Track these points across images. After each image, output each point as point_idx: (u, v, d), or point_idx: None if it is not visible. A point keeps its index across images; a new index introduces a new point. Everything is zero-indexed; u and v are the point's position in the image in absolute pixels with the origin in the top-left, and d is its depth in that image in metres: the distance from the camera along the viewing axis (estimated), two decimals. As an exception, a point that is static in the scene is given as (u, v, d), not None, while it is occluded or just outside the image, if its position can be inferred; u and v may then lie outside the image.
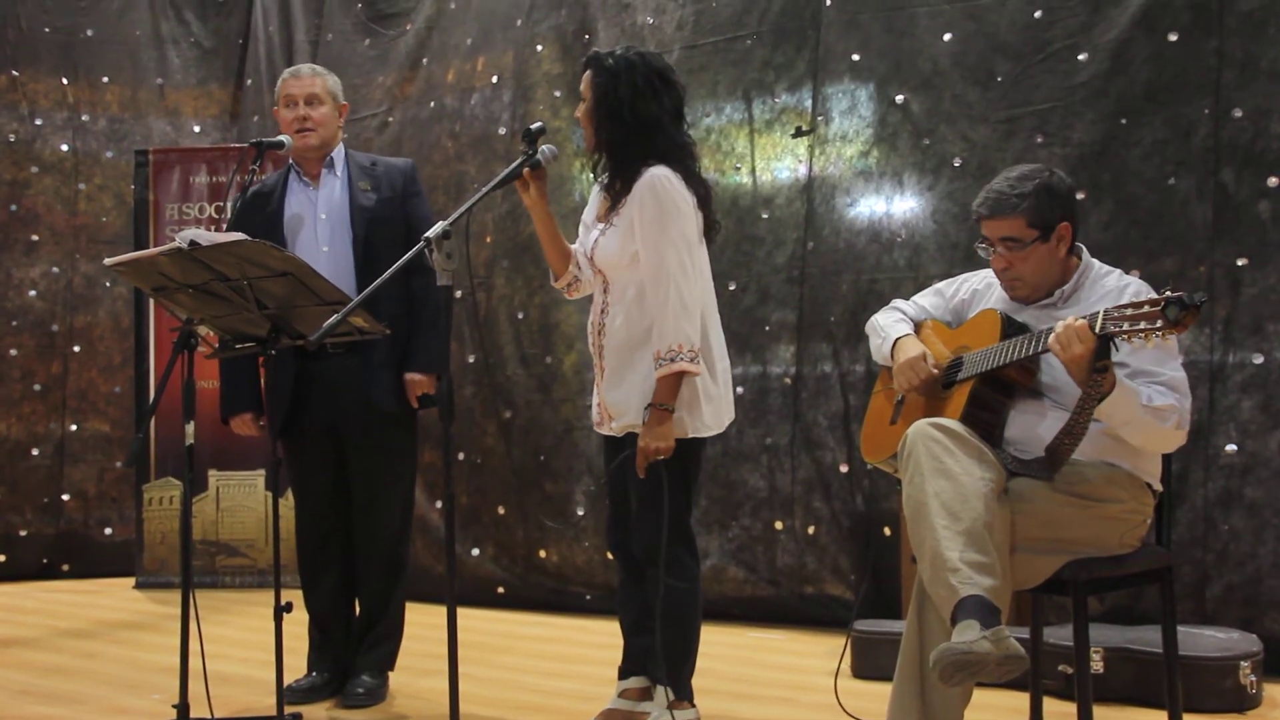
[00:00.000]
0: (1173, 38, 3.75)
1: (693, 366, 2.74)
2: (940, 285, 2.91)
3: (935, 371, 2.64)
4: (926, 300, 2.89)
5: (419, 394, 3.37)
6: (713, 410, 2.86)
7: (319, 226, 3.38)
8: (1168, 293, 2.16)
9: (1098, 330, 2.24)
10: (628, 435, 2.89)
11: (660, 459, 2.75)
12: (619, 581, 3.12)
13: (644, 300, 2.81)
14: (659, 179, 2.76)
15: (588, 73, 2.86)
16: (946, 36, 4.18)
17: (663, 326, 2.73)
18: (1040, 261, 2.57)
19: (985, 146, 4.07)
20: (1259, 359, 3.59)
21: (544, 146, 2.85)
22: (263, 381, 3.44)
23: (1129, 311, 2.20)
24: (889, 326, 2.81)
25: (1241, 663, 3.12)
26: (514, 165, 2.80)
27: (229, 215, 3.38)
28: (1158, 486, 2.58)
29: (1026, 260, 2.56)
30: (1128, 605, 3.70)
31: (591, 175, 3.05)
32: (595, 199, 3.02)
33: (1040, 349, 2.38)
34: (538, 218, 2.93)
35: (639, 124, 2.79)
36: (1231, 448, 3.59)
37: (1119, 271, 2.63)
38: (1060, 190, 2.57)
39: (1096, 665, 3.20)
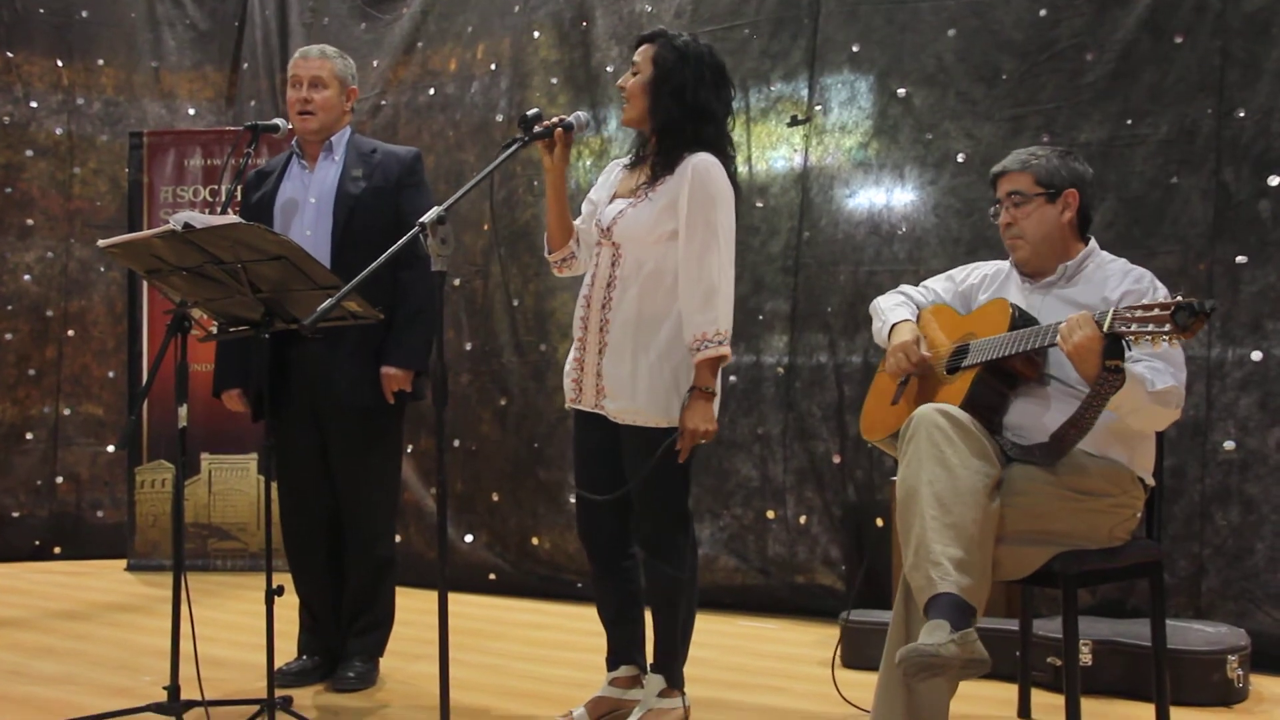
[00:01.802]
0: (1178, 40, 3.75)
1: (729, 353, 2.75)
2: (952, 271, 2.95)
3: (924, 358, 2.66)
4: (938, 285, 2.91)
5: (394, 389, 3.33)
6: (716, 404, 2.86)
7: (306, 210, 3.36)
8: (1179, 297, 2.17)
9: (1106, 328, 2.25)
10: (623, 425, 2.85)
11: (671, 449, 2.74)
12: (592, 574, 3.07)
13: (662, 279, 2.78)
14: (713, 165, 2.76)
15: (651, 46, 2.83)
16: (950, 32, 4.18)
17: (710, 310, 2.71)
18: (1043, 221, 2.62)
19: (990, 144, 4.06)
20: (1258, 356, 3.60)
21: (578, 112, 2.88)
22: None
23: (1138, 313, 2.21)
24: (889, 310, 2.84)
25: (1229, 657, 3.13)
26: (510, 150, 2.75)
27: (224, 198, 3.35)
28: (1150, 481, 2.59)
29: (1029, 217, 2.63)
30: (1119, 599, 3.71)
31: (588, 164, 3.05)
32: (615, 175, 2.99)
33: (1049, 342, 2.39)
34: (552, 182, 2.91)
35: (697, 110, 2.79)
36: (1230, 444, 3.60)
37: (1124, 260, 2.65)
38: (1073, 163, 2.67)
39: (1085, 658, 3.21)
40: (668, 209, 2.77)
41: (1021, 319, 2.56)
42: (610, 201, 2.92)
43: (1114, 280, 2.57)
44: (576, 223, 3.03)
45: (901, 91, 4.27)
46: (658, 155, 2.83)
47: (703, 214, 2.72)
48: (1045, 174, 2.64)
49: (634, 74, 2.84)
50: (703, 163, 2.75)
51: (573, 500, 4.80)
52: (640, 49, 2.86)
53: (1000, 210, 2.70)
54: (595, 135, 4.86)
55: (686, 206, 2.73)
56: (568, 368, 2.96)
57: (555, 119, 2.83)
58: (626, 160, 2.99)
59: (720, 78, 2.84)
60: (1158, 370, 2.41)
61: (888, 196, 4.30)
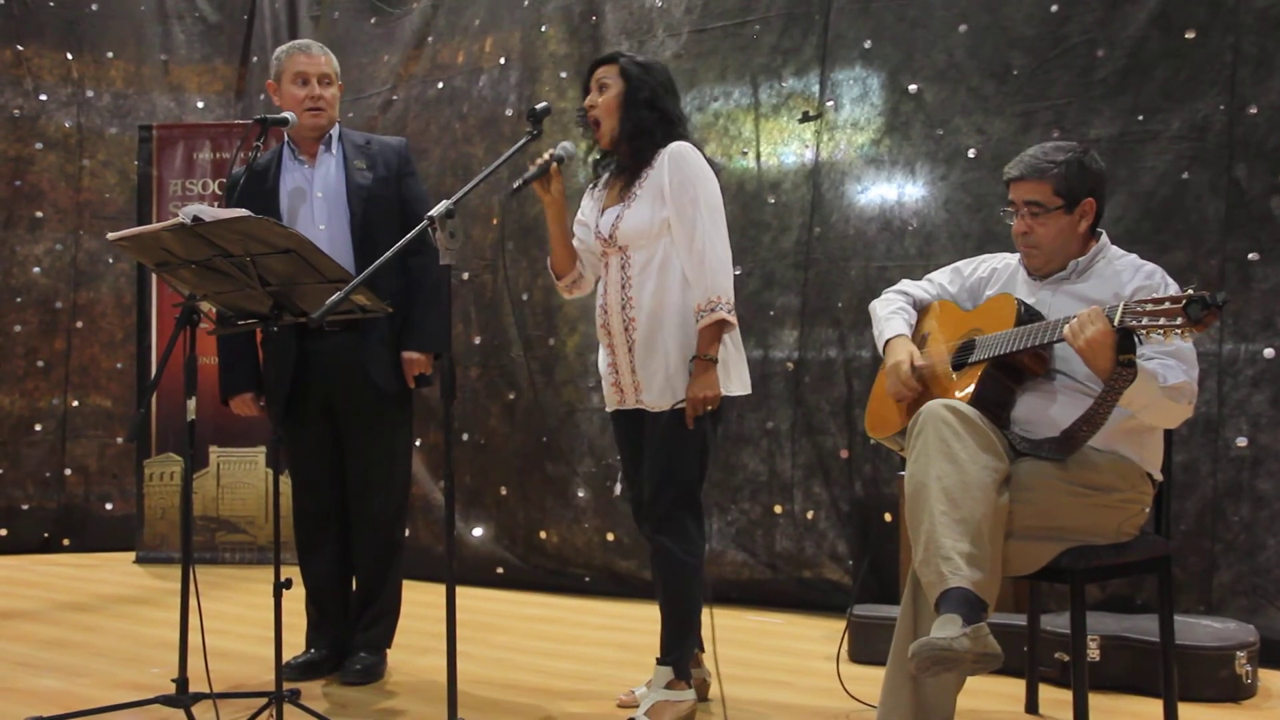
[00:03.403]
0: (1190, 35, 3.74)
1: (731, 318, 2.84)
2: (959, 264, 2.93)
3: (913, 387, 2.66)
4: (943, 278, 2.90)
5: (415, 373, 3.37)
6: (740, 372, 2.95)
7: (315, 205, 3.36)
8: (1190, 291, 2.16)
9: (1117, 322, 2.24)
10: (648, 413, 2.94)
11: (707, 409, 2.83)
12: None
13: (671, 266, 2.89)
14: (686, 149, 2.90)
15: (614, 65, 2.97)
16: (962, 28, 4.17)
17: (702, 280, 2.82)
18: (1060, 231, 2.59)
19: (1001, 139, 4.05)
20: (1270, 353, 3.59)
21: (562, 144, 2.98)
22: (261, 361, 3.44)
23: (1149, 306, 2.19)
24: (884, 320, 2.84)
25: (1238, 653, 3.12)
26: (517, 146, 2.84)
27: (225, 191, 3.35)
28: (1158, 476, 2.58)
29: (1046, 227, 2.59)
30: (1129, 595, 3.71)
31: (596, 157, 3.10)
32: (595, 196, 3.11)
33: (1055, 338, 2.38)
34: (554, 215, 3.03)
35: (665, 115, 2.95)
36: (1242, 440, 3.60)
37: (1135, 256, 2.63)
38: (1092, 168, 2.60)
39: (1093, 653, 3.20)
40: (658, 198, 2.90)
41: (1027, 314, 2.55)
42: (602, 215, 3.03)
43: (1125, 276, 2.56)
44: (575, 243, 3.14)
45: (913, 88, 4.26)
46: (633, 159, 2.96)
47: (686, 193, 2.86)
48: (1064, 184, 2.57)
49: (600, 92, 2.97)
50: (678, 148, 2.90)
51: (580, 494, 4.83)
52: (600, 71, 2.99)
53: (1013, 214, 2.65)
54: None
55: (669, 191, 2.86)
56: (604, 374, 3.06)
57: (546, 155, 2.94)
58: (600, 184, 3.12)
59: (674, 88, 3.03)
60: (1170, 367, 2.41)
61: (899, 192, 4.29)
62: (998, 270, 2.80)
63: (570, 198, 3.07)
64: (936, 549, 2.23)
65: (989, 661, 2.13)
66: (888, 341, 2.79)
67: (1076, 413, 2.43)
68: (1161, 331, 2.17)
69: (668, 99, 2.96)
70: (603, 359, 3.05)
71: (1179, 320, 2.13)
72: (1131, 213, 3.79)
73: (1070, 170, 2.57)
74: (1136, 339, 2.26)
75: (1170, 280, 2.56)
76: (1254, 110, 3.64)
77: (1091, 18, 3.91)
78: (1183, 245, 3.72)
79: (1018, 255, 2.77)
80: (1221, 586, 3.60)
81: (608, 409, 3.10)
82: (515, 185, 2.90)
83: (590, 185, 3.16)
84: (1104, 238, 2.65)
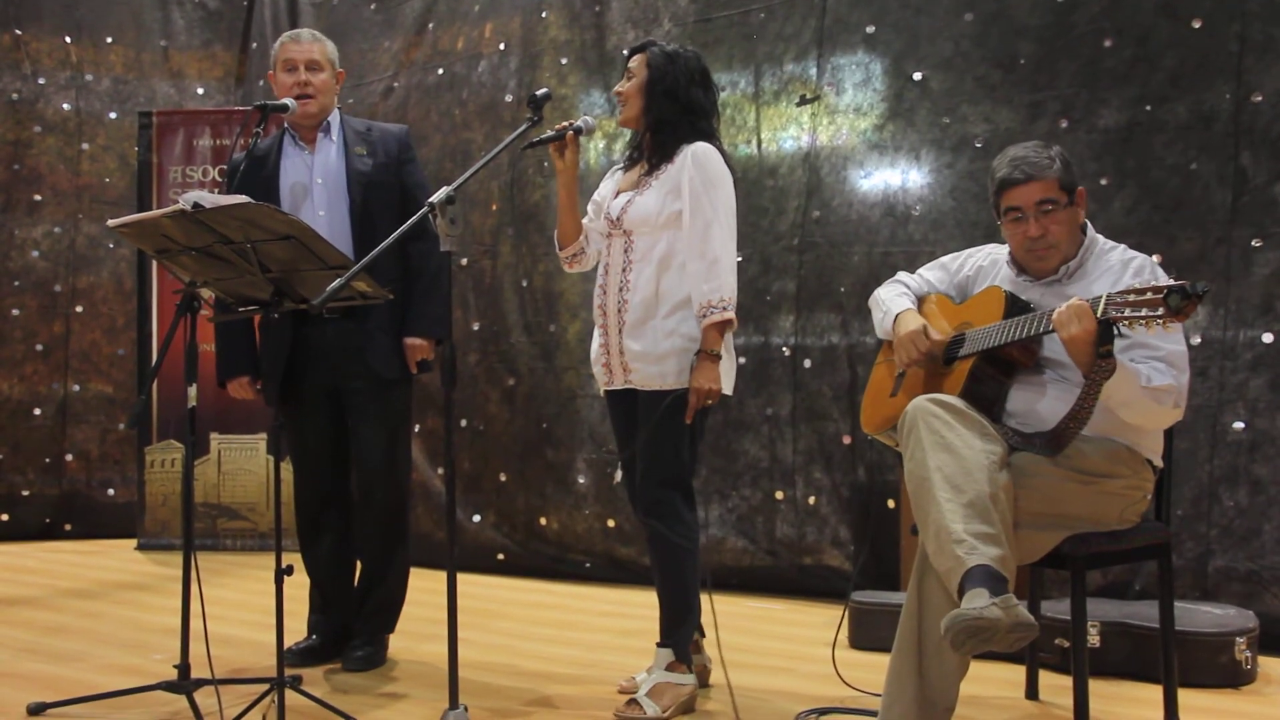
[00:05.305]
0: (1196, 24, 3.73)
1: (734, 318, 2.90)
2: (944, 260, 2.92)
3: (935, 342, 2.64)
4: (932, 274, 2.90)
5: (418, 358, 3.38)
6: (729, 371, 2.98)
7: (315, 192, 3.36)
8: (1171, 280, 2.15)
9: (1099, 315, 2.23)
10: (637, 389, 2.98)
11: (708, 404, 2.88)
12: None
13: (673, 258, 2.94)
14: (709, 150, 2.95)
15: (643, 54, 3.04)
16: (967, 16, 4.15)
17: (714, 280, 2.88)
18: (1069, 225, 2.60)
19: (1009, 128, 4.04)
20: (1269, 338, 3.59)
21: (585, 117, 3.08)
22: (259, 345, 3.44)
23: (1131, 297, 2.19)
24: (890, 300, 2.84)
25: (1237, 638, 3.13)
26: (517, 132, 2.89)
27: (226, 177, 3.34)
28: (1158, 463, 2.59)
29: (1060, 224, 2.57)
30: (1129, 581, 3.72)
31: (600, 145, 3.12)
32: (613, 178, 3.17)
33: (1044, 329, 2.37)
34: (564, 183, 3.09)
35: (689, 107, 3.00)
36: (1239, 425, 3.60)
37: (1123, 246, 2.63)
38: (1069, 160, 2.63)
39: (1093, 639, 3.21)
40: (671, 193, 2.94)
41: (1014, 305, 2.54)
42: (615, 197, 3.08)
43: (1114, 274, 2.54)
44: (584, 220, 3.19)
45: (917, 75, 4.25)
46: (654, 148, 3.02)
47: (705, 194, 2.90)
48: (1065, 177, 2.56)
49: (628, 79, 3.05)
50: (700, 149, 2.94)
51: (581, 481, 4.84)
52: (633, 58, 3.06)
53: (1019, 220, 2.58)
54: (609, 117, 4.84)
55: (688, 189, 2.91)
56: (595, 355, 3.11)
57: (567, 123, 3.03)
58: (621, 165, 3.18)
59: (706, 79, 3.04)
60: (1159, 370, 2.40)
61: (903, 178, 4.28)
62: (984, 268, 2.79)
63: (583, 177, 3.10)
64: (948, 536, 2.21)
65: (1023, 631, 2.06)
66: (898, 316, 2.78)
67: (1067, 406, 2.43)
68: (1144, 323, 2.16)
69: (693, 89, 2.99)
70: (595, 340, 3.11)
71: (1160, 311, 2.13)
72: (1143, 205, 3.79)
73: (1063, 163, 2.59)
74: (1116, 330, 2.25)
75: (1160, 272, 2.55)
76: (1259, 98, 3.64)
77: (1098, 6, 3.90)
78: (1192, 236, 3.71)
79: (1003, 253, 2.75)
80: (1217, 572, 3.60)
81: (600, 389, 3.15)
82: (532, 140, 2.98)
83: (613, 168, 3.21)
84: (1090, 232, 2.62)
